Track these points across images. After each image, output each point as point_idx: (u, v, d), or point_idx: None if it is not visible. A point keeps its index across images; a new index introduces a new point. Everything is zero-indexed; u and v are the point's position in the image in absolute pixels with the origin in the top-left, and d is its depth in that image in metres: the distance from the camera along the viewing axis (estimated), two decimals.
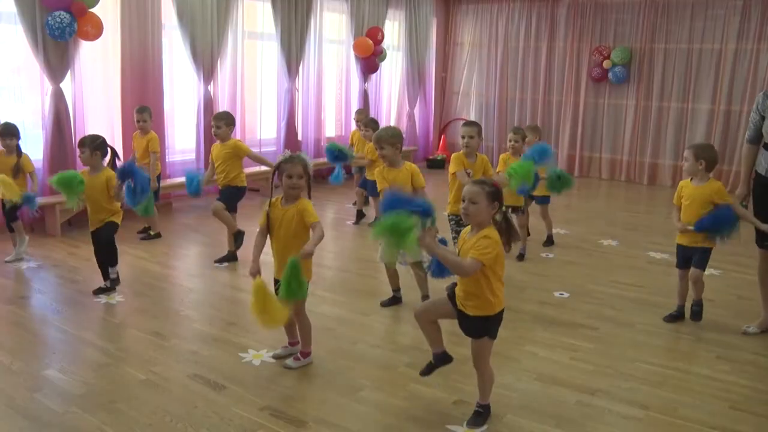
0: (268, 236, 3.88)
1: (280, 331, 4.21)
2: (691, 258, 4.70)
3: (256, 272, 3.70)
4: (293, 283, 3.58)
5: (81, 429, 3.24)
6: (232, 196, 5.99)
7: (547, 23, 11.80)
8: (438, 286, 4.76)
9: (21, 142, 5.78)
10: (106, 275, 5.14)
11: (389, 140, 4.69)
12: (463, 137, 5.13)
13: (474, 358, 3.31)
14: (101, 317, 4.75)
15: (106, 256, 5.11)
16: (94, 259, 5.15)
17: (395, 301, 5.08)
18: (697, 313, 4.80)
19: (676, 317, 4.87)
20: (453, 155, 5.19)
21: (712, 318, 4.85)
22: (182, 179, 7.96)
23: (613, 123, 11.45)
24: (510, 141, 6.20)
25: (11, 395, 3.54)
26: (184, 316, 4.80)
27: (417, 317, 3.51)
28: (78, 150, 4.96)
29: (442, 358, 3.53)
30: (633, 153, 11.31)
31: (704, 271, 4.74)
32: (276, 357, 4.10)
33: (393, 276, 5.04)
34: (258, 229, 3.90)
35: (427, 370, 3.57)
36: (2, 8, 6.54)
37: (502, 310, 3.24)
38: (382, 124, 11.81)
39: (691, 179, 4.70)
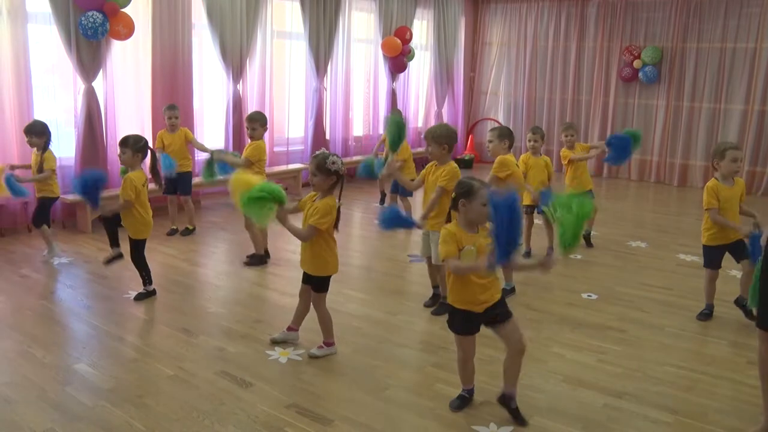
0: None
1: (308, 330, 4.26)
2: (722, 258, 4.73)
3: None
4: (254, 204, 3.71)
5: (110, 423, 3.28)
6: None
7: (577, 22, 11.70)
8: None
9: (54, 140, 5.86)
10: (146, 280, 5.09)
11: (436, 138, 4.66)
12: (489, 140, 5.24)
13: (519, 334, 3.31)
14: (130, 313, 4.81)
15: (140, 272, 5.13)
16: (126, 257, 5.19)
17: (437, 299, 5.05)
18: (749, 312, 4.74)
19: (708, 315, 4.87)
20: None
21: (743, 322, 4.77)
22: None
23: (643, 123, 11.30)
24: (529, 141, 6.14)
25: (43, 388, 3.61)
26: (211, 313, 4.84)
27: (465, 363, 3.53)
28: (119, 149, 4.90)
29: (470, 395, 3.59)
30: (663, 154, 11.16)
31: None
32: (273, 341, 4.24)
33: (432, 274, 5.06)
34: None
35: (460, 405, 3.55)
36: (37, 9, 6.66)
37: None
38: (410, 123, 11.84)
39: (720, 180, 4.64)
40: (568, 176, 6.70)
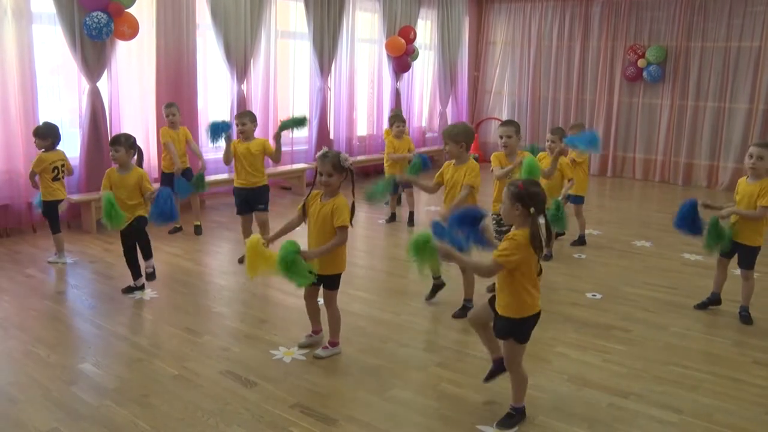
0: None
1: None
2: (734, 250, 4.77)
3: (267, 242, 3.88)
4: (291, 270, 3.68)
5: (114, 422, 3.29)
6: (267, 197, 6.02)
7: (581, 22, 11.68)
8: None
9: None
10: (135, 275, 5.18)
11: (453, 137, 4.67)
12: (501, 137, 5.08)
13: (504, 359, 3.31)
14: (135, 313, 4.82)
15: (143, 250, 5.17)
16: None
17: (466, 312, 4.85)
18: (745, 318, 4.79)
19: (708, 303, 4.98)
20: (493, 154, 5.14)
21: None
22: (214, 177, 8.10)
23: (647, 123, 11.28)
24: (547, 141, 6.11)
25: (48, 387, 3.62)
26: (216, 313, 4.85)
27: (469, 322, 3.59)
28: (112, 149, 4.98)
29: (501, 364, 3.47)
30: (667, 153, 11.13)
31: (751, 269, 4.76)
32: (300, 346, 4.20)
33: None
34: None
35: (488, 376, 3.56)
36: (42, 9, 6.67)
37: (534, 315, 3.20)
38: (414, 122, 11.84)
39: (748, 176, 4.65)
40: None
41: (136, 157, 5.11)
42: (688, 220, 4.73)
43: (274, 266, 3.65)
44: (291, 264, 3.61)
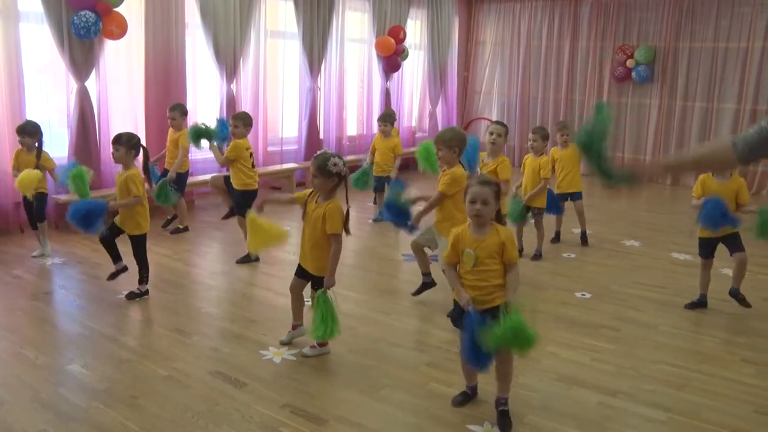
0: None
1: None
2: (715, 248, 4.86)
3: (260, 205, 4.16)
4: (329, 319, 3.81)
5: (103, 423, 3.27)
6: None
7: (570, 22, 11.72)
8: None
9: (46, 140, 5.84)
10: (143, 279, 5.10)
11: (447, 142, 4.60)
12: (491, 134, 5.16)
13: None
14: (124, 313, 4.80)
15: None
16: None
17: (426, 287, 5.10)
18: (742, 300, 4.89)
19: (697, 305, 4.99)
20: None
21: (736, 320, 4.80)
22: (204, 177, 8.07)
23: (636, 122, 11.32)
24: (529, 141, 6.20)
25: (36, 389, 3.59)
26: (205, 314, 4.83)
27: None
28: (112, 147, 4.91)
29: (474, 391, 3.58)
30: (656, 153, 11.17)
31: (744, 251, 4.81)
32: (282, 343, 4.21)
33: (423, 261, 5.05)
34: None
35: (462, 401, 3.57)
36: (29, 8, 6.62)
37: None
38: (404, 122, 11.83)
39: (713, 175, 4.71)
40: (559, 175, 6.72)
41: (141, 157, 5.01)
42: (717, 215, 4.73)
43: (273, 237, 4.06)
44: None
